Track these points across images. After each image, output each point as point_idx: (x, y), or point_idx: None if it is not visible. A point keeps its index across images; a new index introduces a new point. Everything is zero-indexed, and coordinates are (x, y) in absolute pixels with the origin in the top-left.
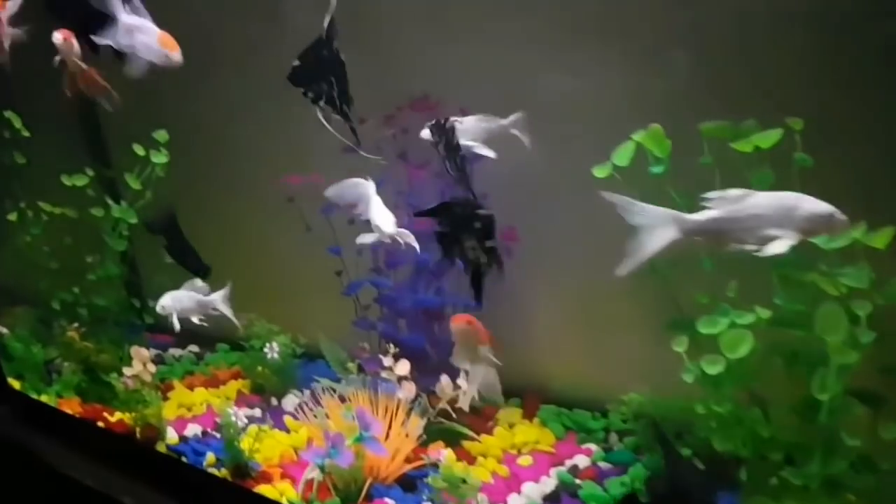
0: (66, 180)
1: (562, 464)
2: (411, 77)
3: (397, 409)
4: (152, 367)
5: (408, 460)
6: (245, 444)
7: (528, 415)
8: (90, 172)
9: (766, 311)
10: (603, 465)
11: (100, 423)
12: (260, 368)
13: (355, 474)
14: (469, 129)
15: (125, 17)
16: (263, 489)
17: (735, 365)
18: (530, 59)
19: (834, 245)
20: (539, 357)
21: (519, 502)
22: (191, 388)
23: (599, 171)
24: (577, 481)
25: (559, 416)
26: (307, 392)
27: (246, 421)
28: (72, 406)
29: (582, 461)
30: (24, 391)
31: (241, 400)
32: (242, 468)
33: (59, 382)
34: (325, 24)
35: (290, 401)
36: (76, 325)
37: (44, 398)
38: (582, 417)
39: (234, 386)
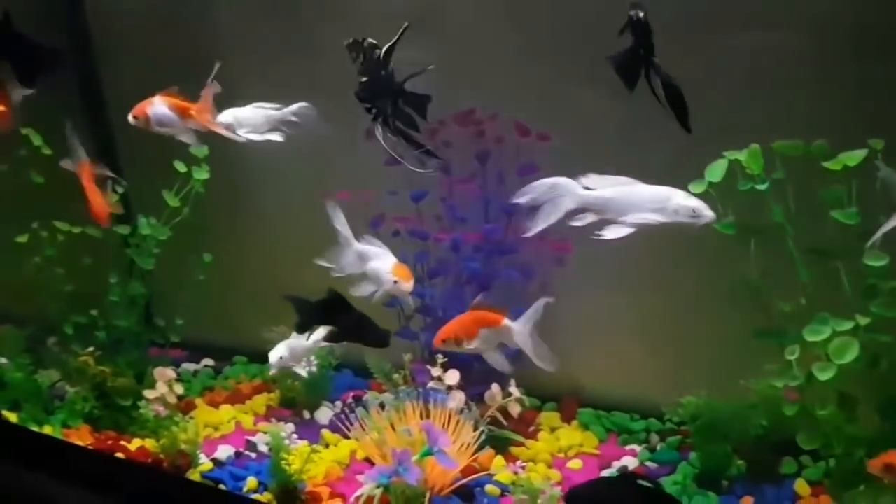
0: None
1: (609, 465)
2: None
3: (449, 419)
4: (179, 389)
5: (463, 471)
6: (295, 465)
7: (567, 419)
8: (119, 190)
9: (865, 319)
10: (650, 464)
11: (119, 455)
12: (290, 381)
13: (414, 489)
14: (249, 118)
15: (359, 245)
16: None
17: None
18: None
19: None
20: (581, 362)
21: None
22: (213, 405)
23: (695, 188)
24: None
25: (599, 418)
26: (338, 403)
27: (298, 442)
28: (82, 437)
29: (630, 462)
30: (21, 423)
31: (271, 414)
32: (291, 491)
33: (63, 410)
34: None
35: (324, 413)
36: (91, 349)
37: (46, 430)
38: (622, 419)
39: (260, 401)
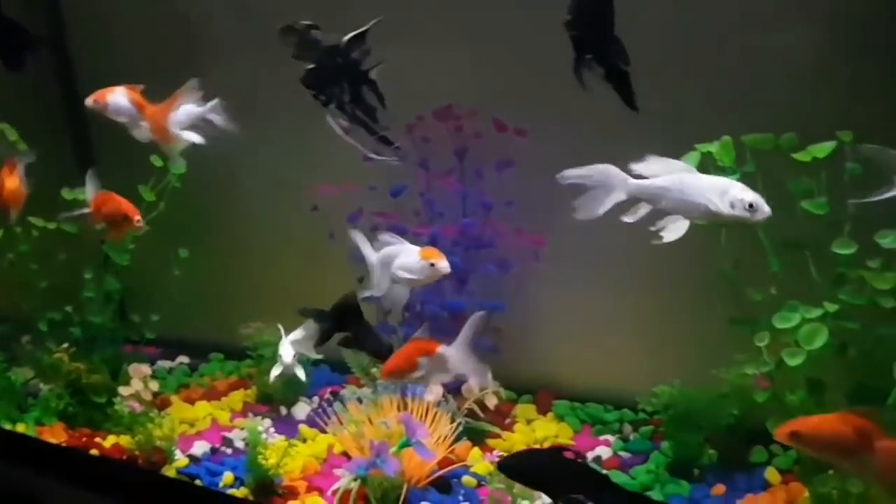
0: (68, 195)
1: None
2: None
3: (426, 412)
4: (154, 385)
5: (440, 463)
6: (272, 459)
7: (542, 411)
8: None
9: (833, 306)
10: (623, 454)
11: (93, 451)
12: (266, 377)
13: (392, 481)
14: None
15: (374, 257)
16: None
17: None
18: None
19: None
20: (555, 356)
21: None
22: (189, 401)
23: None
24: (604, 472)
25: (574, 410)
26: (315, 399)
27: (277, 436)
28: (56, 434)
29: (604, 452)
30: None
31: (247, 410)
32: (267, 486)
33: (37, 408)
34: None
35: (301, 409)
36: (65, 345)
37: (20, 428)
38: (595, 411)
39: (236, 397)
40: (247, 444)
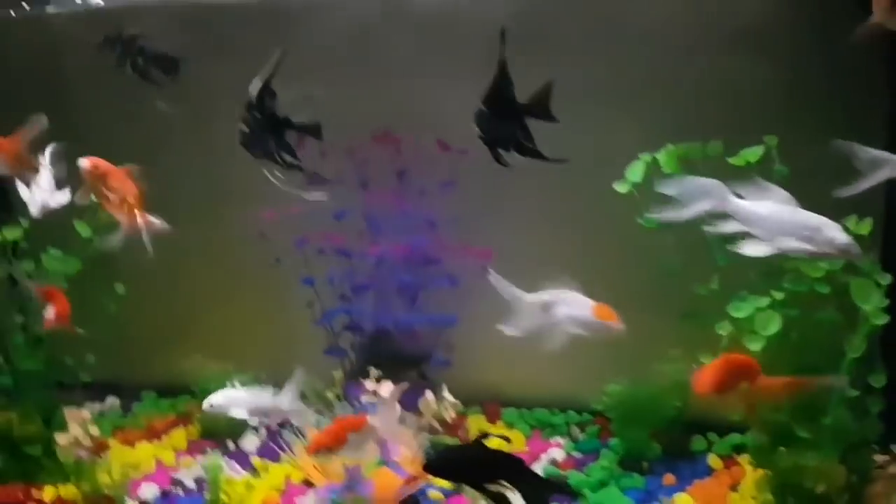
0: None
1: (538, 459)
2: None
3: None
4: (95, 430)
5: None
6: (234, 495)
7: (492, 420)
8: (24, 224)
9: (780, 294)
10: (576, 454)
11: None
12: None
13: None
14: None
15: (527, 298)
16: None
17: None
18: None
19: None
20: (497, 365)
21: (517, 500)
22: (128, 443)
23: (621, 187)
24: (563, 473)
25: (522, 416)
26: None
27: (241, 472)
28: None
29: (558, 454)
30: None
31: (193, 447)
32: None
33: None
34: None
35: (251, 441)
36: None
37: None
38: (542, 415)
39: (178, 435)
40: (199, 484)
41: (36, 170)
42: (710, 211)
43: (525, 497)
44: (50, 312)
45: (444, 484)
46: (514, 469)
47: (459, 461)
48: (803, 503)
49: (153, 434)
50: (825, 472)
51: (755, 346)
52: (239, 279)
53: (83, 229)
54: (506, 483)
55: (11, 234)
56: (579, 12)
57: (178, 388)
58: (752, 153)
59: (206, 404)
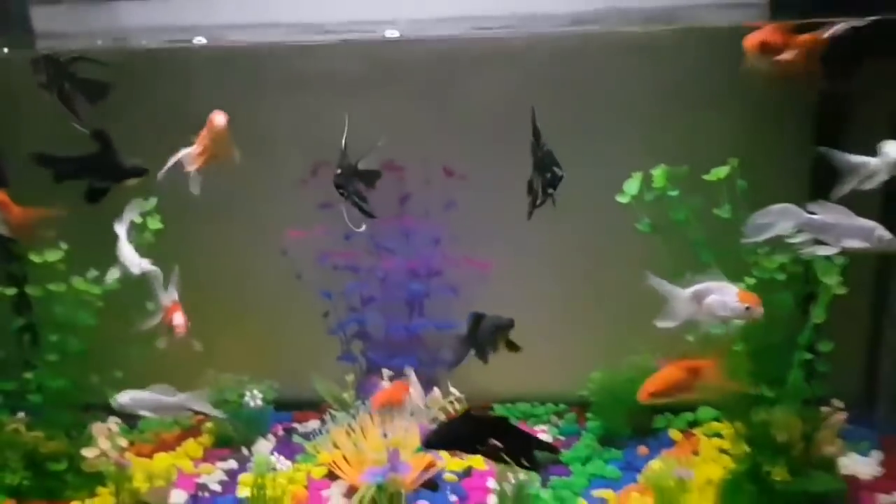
0: (36, 257)
1: None
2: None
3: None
4: (123, 441)
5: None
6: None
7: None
8: (63, 246)
9: (752, 280)
10: (561, 437)
11: None
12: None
13: (393, 488)
14: None
15: (690, 289)
16: None
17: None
18: None
19: None
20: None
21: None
22: (143, 456)
23: (622, 198)
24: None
25: (508, 410)
26: (270, 437)
27: (287, 464)
28: None
29: (545, 438)
30: None
31: (209, 455)
32: None
33: None
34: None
35: (264, 446)
36: (21, 414)
37: None
38: (525, 408)
39: (191, 445)
40: (255, 477)
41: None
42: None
43: (511, 449)
44: (179, 321)
45: (454, 466)
46: (500, 428)
47: (453, 432)
48: (770, 450)
49: (167, 446)
50: (787, 424)
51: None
52: (257, 293)
53: None
54: (495, 441)
55: (53, 255)
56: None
57: None
58: (721, 171)
59: (113, 403)
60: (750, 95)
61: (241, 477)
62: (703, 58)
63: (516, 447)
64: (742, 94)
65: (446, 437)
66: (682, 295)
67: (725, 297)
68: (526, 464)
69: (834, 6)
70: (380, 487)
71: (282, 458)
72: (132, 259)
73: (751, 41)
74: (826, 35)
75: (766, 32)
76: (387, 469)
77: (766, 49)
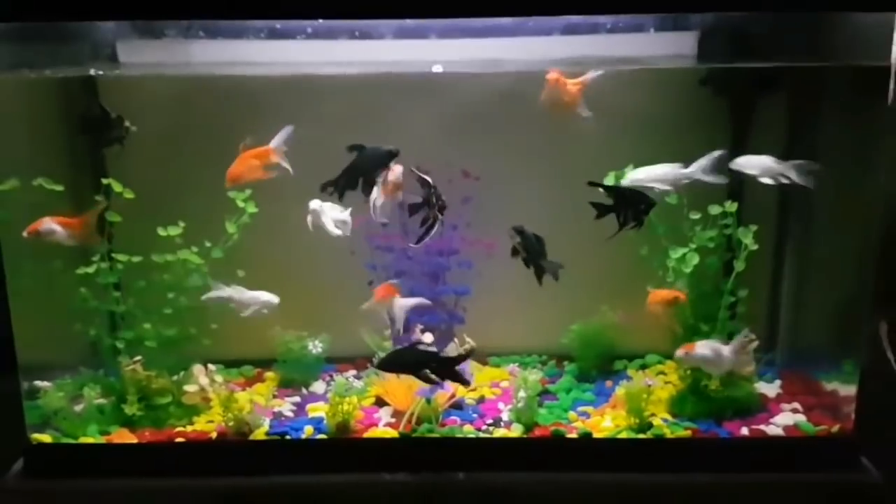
0: (162, 231)
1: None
2: None
3: None
4: (220, 377)
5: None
6: (348, 405)
7: (482, 363)
8: (181, 224)
9: (693, 245)
10: (546, 378)
11: (179, 439)
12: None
13: (432, 406)
14: None
15: None
16: (374, 433)
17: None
18: None
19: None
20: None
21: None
22: None
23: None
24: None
25: (502, 360)
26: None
27: (360, 384)
28: (126, 438)
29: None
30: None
31: (279, 394)
32: (346, 427)
33: (99, 421)
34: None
35: (319, 387)
36: (138, 358)
37: (89, 440)
38: (515, 359)
39: (260, 387)
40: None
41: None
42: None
43: (438, 371)
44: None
45: (474, 395)
46: (434, 358)
47: (400, 359)
48: (703, 371)
49: (240, 388)
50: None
51: (689, 268)
52: (318, 266)
53: (231, 227)
54: (430, 371)
55: (174, 231)
56: None
57: (243, 361)
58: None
59: (203, 298)
60: (680, 118)
61: (309, 406)
62: (652, 94)
63: (441, 370)
64: (676, 116)
65: (394, 362)
66: None
67: None
68: (458, 378)
69: (747, 56)
70: (427, 401)
71: (355, 381)
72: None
73: (551, 77)
74: (585, 80)
75: (558, 73)
76: (435, 386)
77: (559, 85)
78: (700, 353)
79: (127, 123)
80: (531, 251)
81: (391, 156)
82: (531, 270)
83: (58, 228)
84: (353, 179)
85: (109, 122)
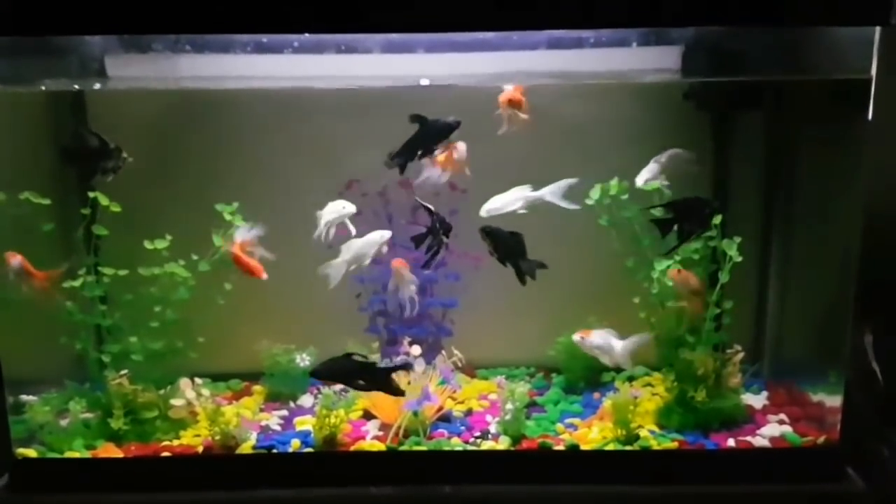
0: (148, 245)
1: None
2: None
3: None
4: (206, 391)
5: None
6: (335, 418)
7: (471, 375)
8: (168, 237)
9: (678, 257)
10: (534, 389)
11: (166, 454)
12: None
13: (420, 418)
14: None
15: None
16: (361, 446)
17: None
18: None
19: None
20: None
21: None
22: None
23: (588, 201)
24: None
25: (490, 373)
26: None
27: (346, 396)
28: (112, 452)
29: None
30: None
31: (267, 407)
32: (333, 440)
33: (84, 435)
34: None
35: (307, 400)
36: (125, 371)
37: (74, 454)
38: (503, 371)
39: (248, 402)
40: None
41: None
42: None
43: (370, 381)
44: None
45: (462, 407)
46: (368, 369)
47: (334, 368)
48: (692, 381)
49: (227, 401)
50: (703, 361)
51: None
52: (305, 279)
53: (217, 240)
54: (362, 381)
55: (161, 244)
56: None
57: (231, 375)
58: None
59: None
60: (665, 132)
61: (296, 419)
62: (637, 106)
63: (372, 380)
64: (661, 131)
65: (329, 371)
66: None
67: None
68: (391, 389)
69: (729, 71)
70: (415, 414)
71: (342, 394)
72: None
73: (502, 97)
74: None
75: (510, 93)
76: (422, 399)
77: (512, 104)
78: (593, 342)
79: (124, 155)
80: (506, 251)
81: (452, 128)
82: (519, 283)
83: (23, 273)
84: (413, 152)
85: (107, 152)
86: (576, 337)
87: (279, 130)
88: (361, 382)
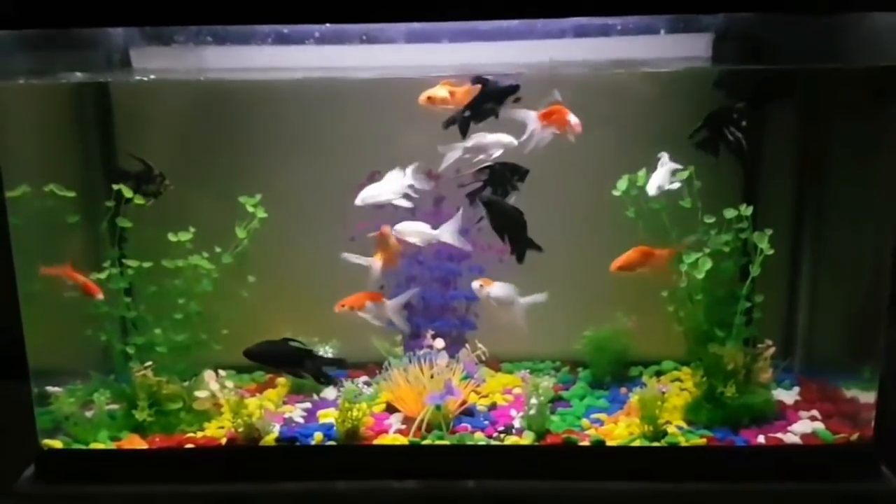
0: (172, 237)
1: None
2: None
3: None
4: (230, 383)
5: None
6: (358, 411)
7: (495, 369)
8: (192, 229)
9: (707, 249)
10: (560, 384)
11: (189, 445)
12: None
13: (443, 412)
14: None
15: None
16: (384, 440)
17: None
18: None
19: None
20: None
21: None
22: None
23: (616, 192)
24: (556, 393)
25: (515, 367)
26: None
27: (370, 390)
28: (137, 444)
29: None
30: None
31: (290, 399)
32: (355, 433)
33: (109, 426)
34: None
35: (330, 393)
36: (149, 363)
37: (99, 445)
38: (528, 365)
39: (272, 394)
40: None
41: None
42: None
43: (307, 369)
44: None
45: (486, 402)
46: (305, 355)
47: (270, 352)
48: (721, 376)
49: (251, 393)
50: (733, 356)
51: (701, 274)
52: (326, 272)
53: (241, 232)
54: (292, 367)
55: (184, 236)
56: None
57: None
58: (684, 174)
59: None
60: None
61: (319, 412)
62: (662, 96)
63: (310, 368)
64: (688, 122)
65: (263, 354)
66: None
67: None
68: (321, 379)
69: (758, 58)
70: (437, 408)
71: (365, 387)
72: None
73: (422, 97)
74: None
75: (434, 90)
76: (445, 393)
77: (432, 101)
78: (492, 292)
79: (167, 182)
80: (505, 224)
81: (514, 89)
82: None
83: (74, 282)
84: (477, 112)
85: (151, 177)
86: (475, 284)
87: (301, 122)
88: (291, 368)
